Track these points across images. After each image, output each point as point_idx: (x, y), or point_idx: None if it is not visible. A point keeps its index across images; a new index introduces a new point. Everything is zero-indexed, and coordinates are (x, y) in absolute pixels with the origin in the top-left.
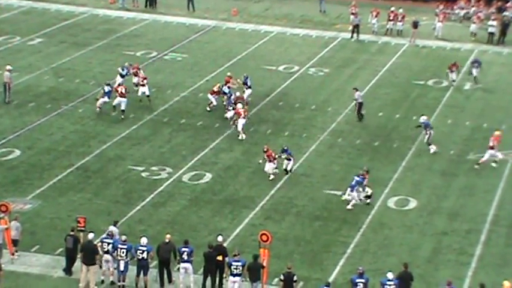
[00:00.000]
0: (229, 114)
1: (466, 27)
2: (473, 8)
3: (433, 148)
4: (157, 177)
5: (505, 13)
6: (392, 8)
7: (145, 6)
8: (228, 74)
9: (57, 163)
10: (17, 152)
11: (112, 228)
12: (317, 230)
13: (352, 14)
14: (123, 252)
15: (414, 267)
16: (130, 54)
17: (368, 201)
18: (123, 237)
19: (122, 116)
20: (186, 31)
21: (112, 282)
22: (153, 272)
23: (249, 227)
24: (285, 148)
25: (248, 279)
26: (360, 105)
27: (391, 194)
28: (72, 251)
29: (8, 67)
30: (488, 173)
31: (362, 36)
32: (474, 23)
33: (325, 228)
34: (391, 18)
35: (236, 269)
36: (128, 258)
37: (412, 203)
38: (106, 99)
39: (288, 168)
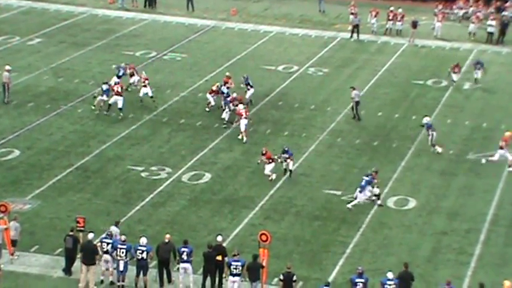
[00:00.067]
0: (225, 115)
1: (465, 27)
2: (471, 8)
3: (438, 149)
4: (156, 177)
5: (504, 13)
6: (392, 8)
7: (145, 6)
8: (227, 74)
9: (57, 163)
10: (17, 152)
11: (113, 228)
12: (316, 229)
13: (352, 13)
14: (122, 252)
15: (414, 266)
16: (129, 54)
17: (379, 202)
18: (123, 237)
19: (121, 114)
20: (186, 31)
21: (111, 283)
22: (152, 272)
23: (249, 227)
24: (286, 149)
25: (248, 279)
26: (357, 104)
27: (391, 194)
28: (71, 251)
29: (7, 67)
30: (487, 172)
31: (361, 36)
32: (473, 23)
33: (324, 228)
34: (390, 18)
35: (236, 268)
36: (128, 258)
37: (412, 203)
38: (104, 97)
39: (289, 168)
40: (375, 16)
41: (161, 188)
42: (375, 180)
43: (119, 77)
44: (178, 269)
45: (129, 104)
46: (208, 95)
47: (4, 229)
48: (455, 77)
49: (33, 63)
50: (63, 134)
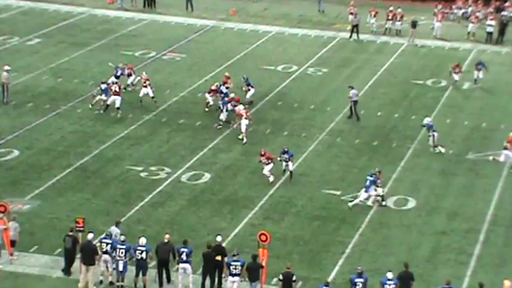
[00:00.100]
0: (223, 115)
1: (464, 27)
2: (470, 8)
3: (441, 149)
4: (156, 177)
5: (503, 13)
6: (391, 8)
7: (144, 6)
8: (226, 74)
9: (56, 163)
10: (16, 153)
11: (113, 228)
12: (316, 229)
13: (351, 13)
14: (122, 253)
15: (413, 266)
16: (129, 54)
17: (384, 202)
18: (122, 238)
19: (119, 113)
20: (185, 31)
21: (111, 283)
22: (152, 272)
23: (248, 227)
24: (286, 149)
25: (247, 279)
26: (355, 103)
27: (390, 194)
28: (71, 251)
29: (6, 67)
30: (487, 172)
31: (361, 36)
32: (472, 22)
33: (324, 228)
34: (389, 17)
35: (235, 269)
36: (127, 259)
37: (411, 203)
38: (103, 97)
39: (289, 170)
40: (374, 16)
41: (160, 188)
42: (379, 180)
43: (117, 77)
44: (177, 269)
45: (129, 104)
46: (206, 95)
47: (3, 229)
48: (456, 77)
49: (33, 64)
50: (63, 134)
